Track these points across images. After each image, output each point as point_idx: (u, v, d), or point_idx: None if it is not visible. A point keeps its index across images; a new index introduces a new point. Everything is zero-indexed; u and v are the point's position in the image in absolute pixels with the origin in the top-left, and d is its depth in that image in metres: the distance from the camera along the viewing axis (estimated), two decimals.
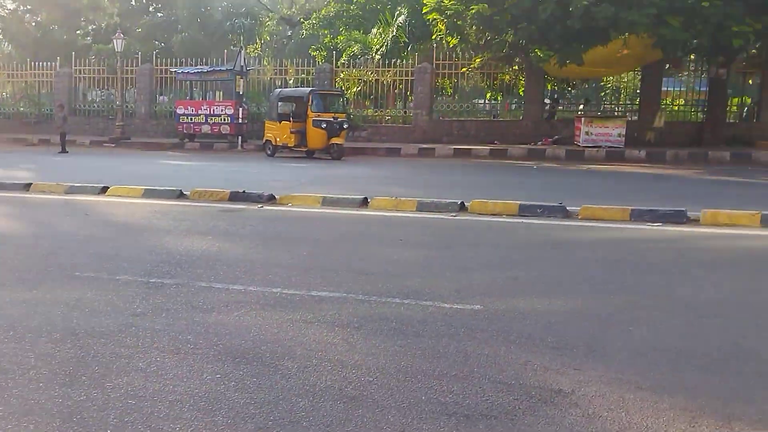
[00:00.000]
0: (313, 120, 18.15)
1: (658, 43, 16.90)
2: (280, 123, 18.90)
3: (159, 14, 31.01)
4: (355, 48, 26.69)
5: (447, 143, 21.05)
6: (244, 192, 10.21)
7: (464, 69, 22.85)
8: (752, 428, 3.14)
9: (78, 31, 31.63)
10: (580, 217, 8.67)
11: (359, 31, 28.59)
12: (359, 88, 24.35)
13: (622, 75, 25.32)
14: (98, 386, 3.56)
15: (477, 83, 25.98)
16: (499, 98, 26.87)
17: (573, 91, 28.29)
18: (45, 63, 26.38)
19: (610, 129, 19.27)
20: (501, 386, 3.58)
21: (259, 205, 9.71)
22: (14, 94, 28.02)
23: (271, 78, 25.41)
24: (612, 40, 17.46)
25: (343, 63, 24.78)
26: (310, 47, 31.42)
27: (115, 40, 23.28)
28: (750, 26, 16.10)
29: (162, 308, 4.97)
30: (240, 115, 21.44)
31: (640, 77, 22.77)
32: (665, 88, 23.65)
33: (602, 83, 29.10)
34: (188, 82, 23.50)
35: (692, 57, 20.97)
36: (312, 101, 18.53)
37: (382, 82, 23.77)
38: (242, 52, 22.15)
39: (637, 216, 8.43)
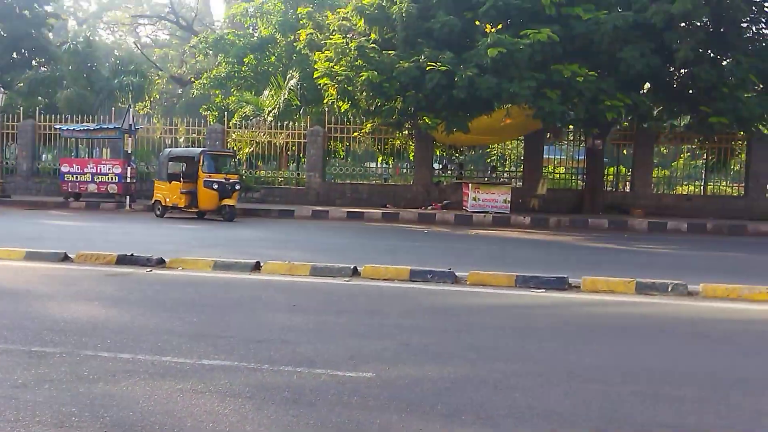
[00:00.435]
0: (205, 180, 17.98)
1: (537, 114, 17.81)
2: (170, 183, 18.61)
3: (43, 69, 30.17)
4: (247, 109, 26.77)
5: (340, 206, 21.29)
6: (132, 255, 9.95)
7: (356, 133, 23.30)
8: None
9: None
10: (468, 282, 8.92)
11: (251, 93, 28.72)
12: (252, 149, 24.34)
13: (507, 142, 26.43)
14: None
15: (369, 147, 26.47)
16: (390, 162, 27.47)
17: (461, 157, 29.25)
18: None
19: (496, 195, 20.00)
20: None
21: (148, 269, 9.50)
22: None
23: (161, 136, 25.06)
24: (495, 110, 18.30)
25: (235, 124, 24.77)
26: (201, 107, 31.33)
27: None
28: (621, 101, 17.25)
29: (45, 379, 4.78)
30: (128, 174, 20.98)
31: (523, 145, 23.81)
32: (547, 156, 24.85)
33: (488, 150, 30.27)
34: (74, 140, 22.86)
35: (571, 127, 22.17)
36: (203, 161, 18.37)
37: (275, 143, 23.87)
38: (131, 110, 21.80)
39: (522, 282, 8.76)
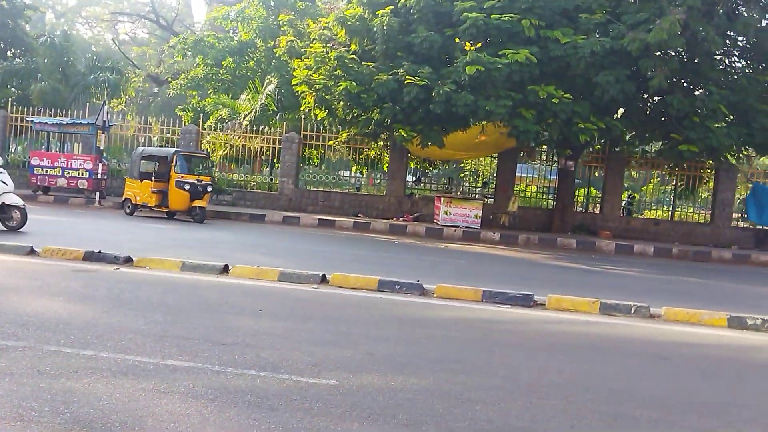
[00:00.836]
0: (176, 181, 17.89)
1: (512, 133, 17.98)
2: (141, 182, 18.49)
3: (18, 60, 29.81)
4: (223, 112, 26.72)
5: (312, 213, 21.29)
6: (99, 252, 9.87)
7: (331, 142, 23.33)
8: None
9: None
10: (435, 295, 8.99)
11: (228, 96, 28.70)
12: (226, 152, 24.27)
13: (481, 159, 26.64)
14: None
15: (344, 156, 26.53)
16: (364, 172, 27.54)
17: (435, 171, 29.41)
18: None
19: (468, 210, 20.12)
20: None
21: (115, 267, 9.43)
22: None
23: (134, 135, 24.88)
24: (471, 126, 18.46)
25: (211, 126, 24.69)
26: (176, 107, 31.19)
27: None
28: (594, 124, 17.49)
29: (5, 372, 4.75)
30: (99, 171, 20.77)
31: (496, 162, 24.01)
32: (520, 174, 25.09)
33: (462, 165, 30.49)
34: (45, 133, 22.63)
35: (544, 147, 22.41)
36: (176, 162, 18.27)
37: (249, 147, 23.82)
38: (105, 106, 21.59)
39: (488, 297, 8.85)
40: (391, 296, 8.77)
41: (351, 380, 5.18)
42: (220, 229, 16.64)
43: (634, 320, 8.35)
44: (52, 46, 27.10)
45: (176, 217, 18.39)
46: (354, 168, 27.50)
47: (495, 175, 24.12)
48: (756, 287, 13.69)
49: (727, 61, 20.55)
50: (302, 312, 7.63)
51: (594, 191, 26.38)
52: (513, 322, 7.90)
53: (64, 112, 23.60)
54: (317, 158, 26.39)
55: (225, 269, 9.56)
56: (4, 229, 12.42)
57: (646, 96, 19.43)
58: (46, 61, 27.18)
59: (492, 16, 17.39)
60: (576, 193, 23.99)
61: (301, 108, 22.25)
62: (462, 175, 31.29)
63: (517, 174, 24.20)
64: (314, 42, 20.52)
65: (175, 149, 19.75)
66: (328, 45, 19.95)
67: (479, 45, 17.37)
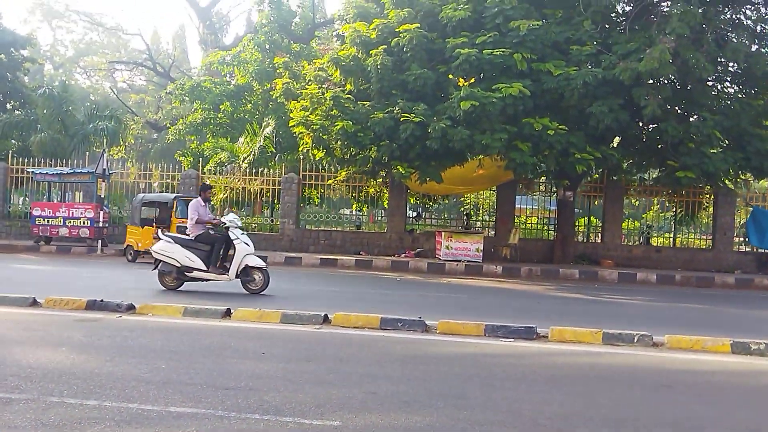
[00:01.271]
0: (178, 226, 17.95)
1: (509, 166, 18.09)
2: (142, 228, 18.58)
3: (17, 112, 30.14)
4: (222, 155, 26.89)
5: (314, 252, 21.32)
6: (102, 300, 9.90)
7: (330, 181, 23.46)
8: None
9: None
10: (438, 331, 8.99)
11: (226, 139, 28.91)
12: (226, 195, 24.39)
13: (480, 192, 26.73)
14: None
15: (344, 194, 26.63)
16: (364, 209, 27.63)
17: (435, 206, 29.49)
18: None
19: (469, 244, 20.15)
20: None
21: (118, 315, 9.45)
22: None
23: (135, 181, 25.04)
24: (468, 160, 18.58)
25: (210, 169, 24.84)
26: (176, 152, 31.38)
27: None
28: (591, 154, 17.59)
29: (9, 426, 4.76)
30: (101, 219, 20.87)
31: (495, 195, 24.09)
32: (520, 206, 25.16)
33: (462, 199, 30.58)
34: (46, 184, 22.77)
35: (542, 179, 22.51)
36: (177, 207, 18.39)
37: (249, 190, 23.95)
38: (105, 154, 21.76)
39: (491, 331, 8.85)
40: (393, 334, 8.78)
41: (354, 420, 5.18)
42: None
43: (637, 349, 8.35)
44: (51, 97, 27.39)
45: None
46: (354, 206, 27.58)
47: (494, 208, 24.17)
48: (759, 311, 13.67)
49: (719, 86, 20.75)
50: (305, 353, 7.64)
51: (594, 220, 26.42)
52: (515, 356, 7.90)
53: (64, 161, 23.79)
54: (317, 198, 26.49)
55: (227, 313, 9.58)
56: (246, 292, 12.19)
57: (640, 124, 19.57)
58: (45, 111, 27.45)
59: (484, 52, 17.60)
60: (576, 223, 24.04)
61: (299, 149, 22.40)
62: (462, 209, 31.35)
63: (516, 206, 24.28)
64: (310, 83, 20.75)
65: (175, 194, 19.87)
66: (323, 86, 20.18)
67: (473, 80, 17.58)
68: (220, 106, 30.17)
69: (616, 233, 22.62)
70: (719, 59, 19.05)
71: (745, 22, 20.04)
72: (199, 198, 13.16)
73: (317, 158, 21.64)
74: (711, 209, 23.19)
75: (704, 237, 24.16)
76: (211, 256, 12.31)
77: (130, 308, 9.75)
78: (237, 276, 12.25)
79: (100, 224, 20.90)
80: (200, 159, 25.93)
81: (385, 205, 24.87)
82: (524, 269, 19.19)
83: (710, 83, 19.98)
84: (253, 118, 29.09)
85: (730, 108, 19.25)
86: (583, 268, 19.62)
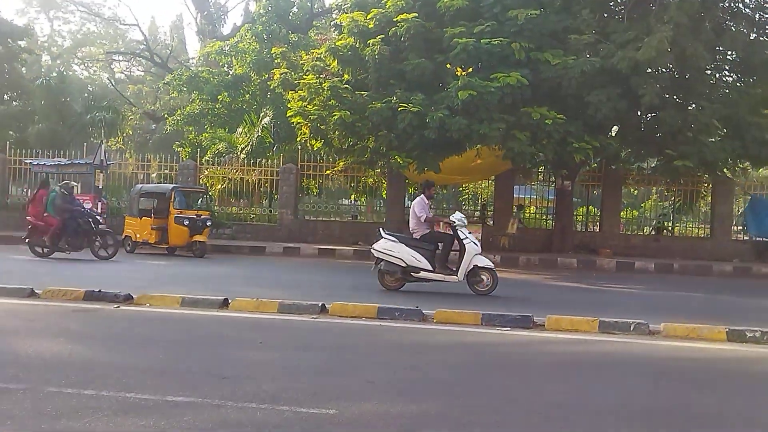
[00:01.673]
0: (176, 217, 17.98)
1: (507, 155, 18.07)
2: (140, 219, 18.59)
3: (15, 103, 30.12)
4: (220, 146, 26.84)
5: (312, 243, 21.31)
6: (99, 291, 9.90)
7: (329, 171, 23.46)
8: None
9: None
10: (435, 320, 9.01)
11: (224, 130, 28.85)
12: (224, 186, 24.39)
13: (479, 182, 26.72)
14: None
15: (342, 185, 26.62)
16: (363, 200, 27.64)
17: (434, 195, 29.45)
18: None
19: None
20: None
21: (116, 305, 9.46)
22: None
23: (133, 172, 25.02)
24: (466, 150, 18.55)
25: (208, 160, 24.82)
26: (174, 143, 31.32)
27: None
28: (589, 143, 17.56)
29: (7, 415, 4.78)
30: (99, 210, 20.85)
31: (494, 185, 24.09)
32: (518, 195, 25.15)
33: (461, 189, 30.58)
34: (44, 174, 22.73)
35: (541, 168, 22.50)
36: (175, 198, 18.39)
37: (248, 180, 23.94)
38: (103, 145, 21.80)
39: (488, 320, 8.87)
40: (390, 323, 8.80)
41: (351, 409, 5.20)
42: (220, 263, 16.68)
43: (633, 337, 8.36)
44: (48, 88, 27.37)
45: (176, 252, 18.44)
46: (353, 196, 27.59)
47: (493, 197, 24.18)
48: (756, 300, 13.68)
49: (717, 75, 20.71)
50: (302, 342, 7.66)
51: (593, 210, 26.42)
52: (512, 344, 7.93)
53: (62, 152, 23.74)
54: (315, 188, 26.49)
55: (225, 303, 9.59)
56: (473, 293, 11.73)
57: (639, 113, 19.52)
58: (43, 102, 27.47)
59: (482, 41, 17.56)
60: (575, 212, 24.05)
61: (297, 139, 22.37)
62: (461, 199, 31.36)
63: (515, 195, 24.27)
64: (307, 73, 20.68)
65: (173, 185, 19.88)
66: (321, 76, 20.12)
67: (470, 70, 17.51)
68: (218, 97, 30.11)
69: (614, 222, 22.64)
70: (717, 48, 19.03)
71: (743, 11, 19.99)
72: (423, 196, 12.55)
73: (315, 148, 21.62)
74: (709, 198, 23.20)
75: (702, 226, 24.18)
76: (437, 256, 11.89)
77: (128, 298, 9.76)
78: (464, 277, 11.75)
79: (99, 215, 20.86)
80: (198, 149, 25.90)
81: (384, 195, 24.87)
82: (522, 259, 19.21)
83: (708, 72, 19.92)
84: (251, 108, 29.02)
85: (728, 96, 19.23)
86: (582, 257, 19.64)
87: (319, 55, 21.00)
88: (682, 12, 16.98)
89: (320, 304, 9.39)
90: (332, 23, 25.92)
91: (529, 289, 13.97)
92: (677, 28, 16.98)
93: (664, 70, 18.82)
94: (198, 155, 24.78)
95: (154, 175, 25.17)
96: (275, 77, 23.24)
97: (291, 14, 32.80)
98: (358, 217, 26.70)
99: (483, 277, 11.87)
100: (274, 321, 8.81)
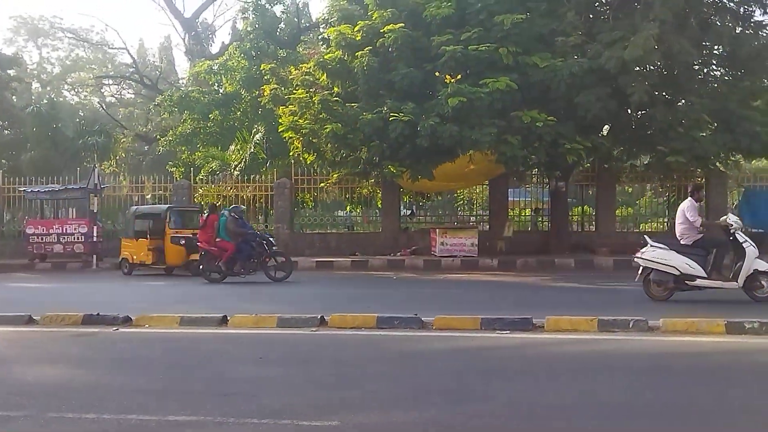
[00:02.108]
0: (172, 237, 17.98)
1: (500, 159, 18.10)
2: (137, 240, 18.58)
3: (6, 132, 30.14)
4: (214, 164, 26.87)
5: (309, 256, 21.28)
6: (98, 314, 9.88)
7: (323, 184, 23.47)
8: None
9: None
10: (434, 327, 9.01)
11: (217, 148, 28.87)
12: (219, 204, 24.36)
13: (474, 187, 26.74)
14: None
15: (337, 196, 26.62)
16: (358, 210, 27.63)
17: (429, 203, 29.49)
18: None
19: (464, 239, 20.16)
20: None
21: (115, 328, 9.45)
22: None
23: (127, 194, 25.02)
24: (459, 156, 18.57)
25: (202, 179, 24.83)
26: (167, 163, 31.32)
27: None
28: (581, 144, 17.61)
29: None
30: (94, 234, 20.86)
31: (488, 189, 24.11)
32: (513, 199, 25.17)
33: (456, 195, 30.59)
34: (39, 201, 22.76)
35: (534, 171, 22.53)
36: (170, 218, 18.40)
37: (242, 197, 23.95)
38: (96, 169, 21.79)
39: (487, 324, 8.86)
40: (390, 332, 8.79)
41: (353, 420, 5.20)
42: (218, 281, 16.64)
43: (633, 334, 8.37)
44: (39, 115, 27.42)
45: (174, 272, 18.41)
46: (348, 207, 27.58)
47: (488, 202, 24.20)
48: None
49: (705, 70, 20.76)
50: (302, 356, 7.66)
51: (588, 209, 26.42)
52: (512, 348, 7.93)
53: (55, 178, 23.77)
54: (311, 201, 26.47)
55: (224, 320, 9.58)
56: (750, 299, 10.94)
57: (629, 111, 19.56)
58: (34, 130, 27.50)
59: (469, 48, 17.64)
60: (571, 213, 24.07)
61: (290, 153, 22.38)
62: (456, 204, 31.35)
63: (510, 199, 24.29)
64: (297, 88, 20.72)
65: (168, 205, 19.88)
66: (311, 90, 20.17)
67: (459, 77, 17.58)
68: (209, 115, 30.10)
69: (610, 221, 22.65)
70: (704, 43, 19.13)
71: (728, 5, 20.04)
72: (691, 200, 11.88)
73: (308, 162, 21.63)
74: (703, 192, 23.19)
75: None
76: (711, 262, 11.24)
77: (127, 320, 9.75)
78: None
79: (94, 239, 20.89)
80: (192, 169, 25.93)
81: (379, 205, 24.88)
82: (520, 261, 19.21)
83: (696, 67, 20.00)
84: (242, 125, 29.04)
85: (716, 91, 19.31)
86: (579, 257, 19.64)
87: (308, 70, 21.05)
88: (666, 9, 17.07)
89: (319, 317, 9.39)
90: (320, 37, 26.05)
91: (527, 291, 13.96)
92: (663, 26, 17.06)
93: (651, 67, 18.89)
94: (192, 174, 24.79)
95: (148, 197, 25.16)
96: (265, 93, 23.30)
97: (278, 30, 32.85)
98: (354, 228, 26.68)
99: (763, 282, 10.97)
100: (273, 336, 8.80)
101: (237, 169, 25.22)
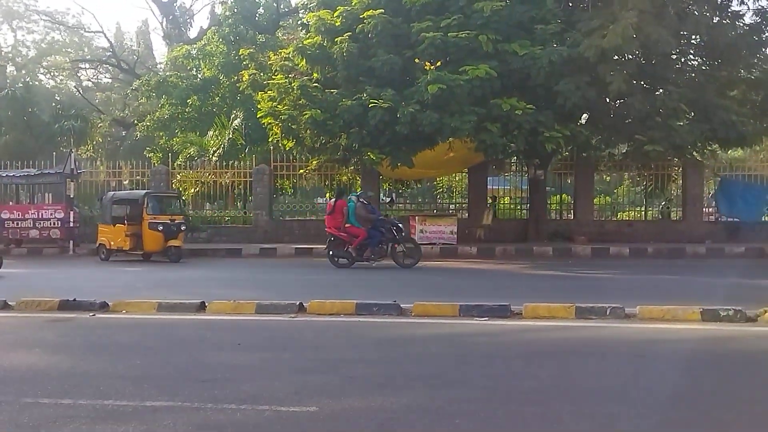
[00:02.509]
0: (149, 222, 17.83)
1: (479, 147, 18.15)
2: (114, 226, 18.40)
3: None
4: (192, 150, 26.71)
5: (289, 243, 21.20)
6: (74, 300, 9.80)
7: (302, 171, 23.39)
8: None
9: None
10: (413, 314, 9.03)
11: (195, 133, 28.69)
12: (197, 190, 24.24)
13: (453, 174, 26.80)
14: None
15: (316, 183, 26.56)
16: None
17: (408, 190, 29.52)
18: None
19: (443, 227, 20.21)
20: None
21: (91, 314, 9.37)
22: None
23: (105, 180, 24.79)
24: (438, 144, 18.59)
25: (180, 164, 24.66)
26: (145, 149, 31.08)
27: None
28: (559, 132, 17.68)
29: None
30: (71, 219, 20.67)
31: (467, 177, 24.17)
32: (492, 187, 25.26)
33: (435, 182, 30.64)
34: (14, 186, 22.49)
35: (513, 159, 22.61)
36: (147, 203, 18.23)
37: (221, 183, 23.82)
38: (72, 154, 21.56)
39: (466, 311, 8.90)
40: (369, 319, 8.80)
41: (331, 405, 5.20)
42: (196, 267, 16.59)
43: (610, 321, 8.45)
44: (14, 99, 27.04)
45: (152, 258, 18.29)
46: (327, 194, 27.51)
47: (467, 190, 24.26)
48: (729, 279, 13.84)
49: (683, 60, 20.91)
50: (281, 342, 7.65)
51: (567, 198, 26.58)
52: (491, 334, 7.97)
53: (31, 163, 23.45)
54: (290, 188, 26.41)
55: (202, 306, 9.54)
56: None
57: (607, 100, 19.67)
58: (9, 114, 27.08)
59: (449, 34, 17.62)
60: (549, 201, 24.19)
61: (269, 140, 22.27)
62: (436, 192, 31.41)
63: (489, 187, 24.38)
64: (276, 73, 20.60)
65: (145, 191, 19.71)
66: (290, 75, 20.05)
67: (439, 63, 17.57)
68: (188, 101, 29.88)
69: (588, 209, 22.81)
70: (682, 32, 19.23)
71: None
72: None
73: (288, 148, 21.53)
74: (680, 181, 23.44)
75: (675, 209, 24.44)
76: None
77: (104, 306, 9.67)
78: None
79: (71, 224, 20.70)
80: (170, 154, 25.74)
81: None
82: (499, 249, 19.30)
83: (674, 57, 20.13)
84: (221, 111, 28.86)
85: (694, 80, 19.46)
86: (557, 245, 19.78)
87: (287, 55, 20.94)
88: None
89: (298, 303, 9.37)
90: (299, 23, 25.93)
91: (506, 278, 14.03)
92: (641, 15, 17.13)
93: (630, 56, 19.01)
94: (170, 160, 24.61)
95: (126, 182, 24.94)
96: (244, 79, 23.16)
97: (257, 15, 32.64)
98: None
99: None
100: (252, 322, 8.78)
101: (215, 155, 25.08)
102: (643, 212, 25.37)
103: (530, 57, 17.58)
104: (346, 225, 15.94)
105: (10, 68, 46.03)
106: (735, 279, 13.66)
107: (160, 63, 47.24)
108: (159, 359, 6.78)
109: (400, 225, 16.47)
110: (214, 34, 31.22)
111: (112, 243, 18.33)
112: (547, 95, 18.17)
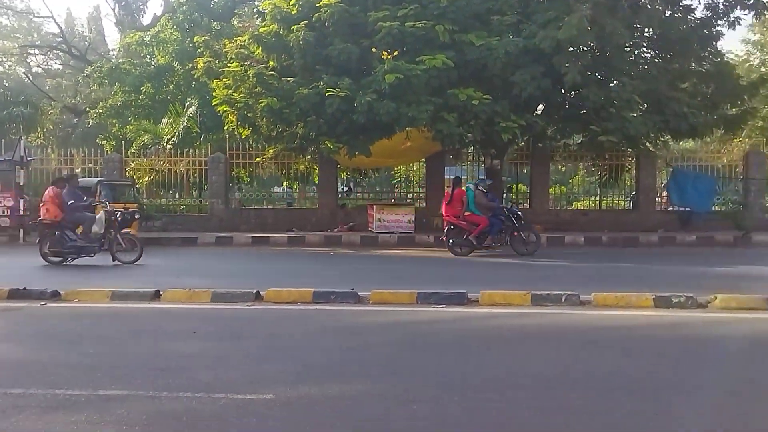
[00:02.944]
0: (104, 211, 17.47)
1: (436, 137, 18.17)
2: None
3: None
4: (146, 137, 26.30)
5: (245, 231, 21.02)
6: (24, 288, 9.60)
7: (258, 159, 23.20)
8: None
9: None
10: (371, 301, 9.04)
11: (149, 121, 28.25)
12: (152, 178, 23.87)
13: (412, 164, 26.85)
14: None
15: (273, 172, 26.37)
16: (295, 186, 27.44)
17: (366, 180, 29.49)
18: None
19: (401, 216, 20.25)
20: None
21: (42, 302, 9.17)
22: None
23: (56, 167, 24.27)
24: (396, 133, 18.57)
25: (134, 152, 24.26)
26: (97, 136, 30.52)
27: None
28: (515, 122, 17.78)
29: None
30: (21, 207, 20.22)
31: (425, 167, 24.23)
32: (449, 176, 25.33)
33: (393, 172, 30.67)
34: (459, 174, 21.97)
35: (470, 149, 22.71)
36: (100, 191, 17.90)
37: (176, 171, 23.50)
38: (22, 141, 21.04)
39: (423, 299, 8.94)
40: (326, 307, 8.78)
41: (288, 393, 5.18)
42: (151, 256, 16.27)
43: (565, 308, 8.56)
44: None
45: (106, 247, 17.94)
46: (285, 183, 27.35)
47: (425, 179, 24.32)
48: (681, 266, 14.16)
49: (636, 52, 21.15)
50: (237, 331, 7.58)
51: (523, 187, 26.80)
52: (448, 321, 8.01)
53: None
54: (246, 177, 26.17)
55: (156, 295, 9.41)
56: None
57: (563, 91, 19.79)
58: None
59: (406, 24, 17.57)
60: (505, 191, 24.37)
61: (225, 128, 22.02)
62: (393, 181, 31.44)
63: (446, 176, 24.46)
64: (232, 61, 20.34)
65: (98, 179, 19.35)
66: (246, 63, 19.80)
67: (396, 53, 17.52)
68: (141, 88, 29.36)
69: (543, 199, 23.05)
70: (635, 25, 19.45)
71: None
72: None
73: (243, 136, 21.32)
74: (634, 171, 23.81)
75: (628, 199, 24.82)
76: None
77: (55, 295, 9.49)
78: None
79: (21, 212, 20.25)
80: (123, 142, 25.31)
81: (316, 181, 24.75)
82: None
83: (628, 49, 20.35)
84: (175, 98, 28.44)
85: (647, 72, 19.69)
86: None
87: (242, 43, 20.65)
88: None
89: (254, 292, 9.31)
90: (255, 10, 25.62)
91: (463, 267, 14.11)
92: (596, 7, 17.29)
93: (585, 48, 19.15)
94: (123, 148, 24.20)
95: (78, 170, 24.46)
96: (199, 66, 22.82)
97: (212, 3, 32.24)
98: (294, 204, 26.53)
99: None
100: (207, 311, 8.69)
101: (170, 143, 24.73)
102: (597, 202, 25.71)
103: (487, 48, 17.62)
104: (466, 213, 16.04)
105: None
106: (686, 267, 13.96)
107: (113, 50, 46.34)
108: (112, 348, 6.67)
109: (520, 213, 16.69)
110: (168, 21, 30.71)
111: None
112: (503, 85, 18.25)
